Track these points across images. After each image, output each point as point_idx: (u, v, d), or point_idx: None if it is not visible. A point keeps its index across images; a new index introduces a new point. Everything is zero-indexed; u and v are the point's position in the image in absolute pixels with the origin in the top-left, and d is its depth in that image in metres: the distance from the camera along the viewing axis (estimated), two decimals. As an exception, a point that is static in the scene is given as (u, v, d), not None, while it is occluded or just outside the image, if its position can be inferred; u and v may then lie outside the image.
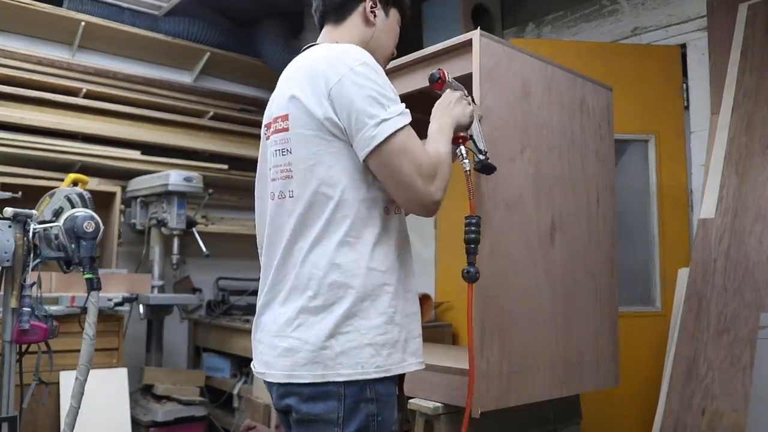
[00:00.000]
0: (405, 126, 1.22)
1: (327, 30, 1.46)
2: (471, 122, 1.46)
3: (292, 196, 1.26)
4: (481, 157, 1.49)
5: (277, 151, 1.31)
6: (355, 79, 1.21)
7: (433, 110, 1.42)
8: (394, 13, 1.46)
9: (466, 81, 1.65)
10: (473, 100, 1.52)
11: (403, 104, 1.26)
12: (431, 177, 1.22)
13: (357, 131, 1.20)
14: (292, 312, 1.23)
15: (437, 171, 1.23)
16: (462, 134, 1.45)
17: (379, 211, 1.27)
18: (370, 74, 1.23)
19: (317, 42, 1.43)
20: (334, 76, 1.22)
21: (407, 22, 1.52)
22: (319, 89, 1.24)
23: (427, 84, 1.80)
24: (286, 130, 1.29)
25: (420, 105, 2.11)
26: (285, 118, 1.30)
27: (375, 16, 1.42)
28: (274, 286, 1.29)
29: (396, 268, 1.30)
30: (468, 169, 1.47)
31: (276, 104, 1.36)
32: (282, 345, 1.23)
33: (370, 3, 1.42)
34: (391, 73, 1.88)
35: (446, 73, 1.48)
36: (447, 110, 1.40)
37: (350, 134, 1.22)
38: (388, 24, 1.45)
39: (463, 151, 1.45)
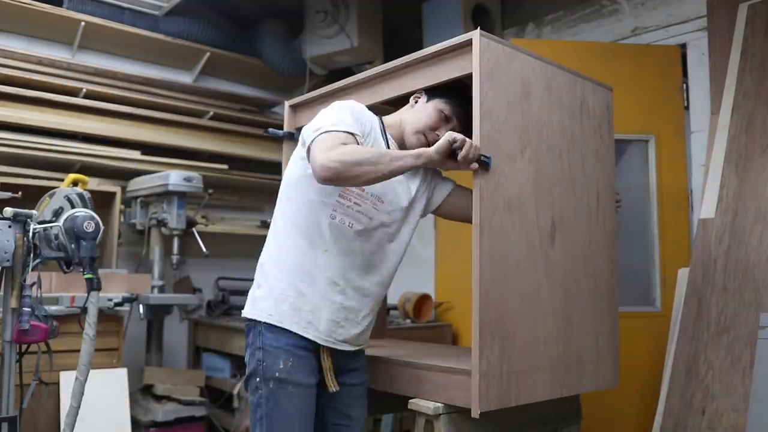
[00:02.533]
0: (329, 130, 1.59)
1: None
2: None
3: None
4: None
5: None
6: (319, 113, 1.70)
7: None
8: (436, 102, 1.78)
9: (466, 81, 1.65)
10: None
11: (344, 123, 1.63)
12: (329, 149, 1.53)
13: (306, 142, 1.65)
14: None
15: (341, 150, 1.53)
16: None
17: None
18: (330, 108, 1.69)
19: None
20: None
21: (461, 113, 1.76)
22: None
23: (427, 84, 1.80)
24: None
25: (420, 105, 2.11)
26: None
27: (416, 102, 1.83)
28: None
29: None
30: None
31: None
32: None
33: (415, 96, 1.84)
34: (391, 73, 1.88)
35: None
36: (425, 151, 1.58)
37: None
38: (424, 107, 1.80)
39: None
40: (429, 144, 1.71)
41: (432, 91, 1.78)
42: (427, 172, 1.85)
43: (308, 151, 1.61)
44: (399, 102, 1.94)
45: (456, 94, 1.75)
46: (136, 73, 4.06)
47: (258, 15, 4.35)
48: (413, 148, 1.66)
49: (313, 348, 1.68)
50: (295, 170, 1.73)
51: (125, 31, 3.91)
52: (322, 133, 1.58)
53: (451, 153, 1.54)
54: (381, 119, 1.81)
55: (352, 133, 1.60)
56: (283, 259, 1.70)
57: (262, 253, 1.78)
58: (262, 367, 1.64)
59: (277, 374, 1.62)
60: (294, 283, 1.67)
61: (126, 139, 3.92)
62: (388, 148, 1.75)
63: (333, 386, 1.71)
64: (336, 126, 1.59)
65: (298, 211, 1.70)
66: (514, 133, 1.70)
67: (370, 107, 1.96)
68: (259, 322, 1.67)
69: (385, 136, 1.78)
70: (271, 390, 1.62)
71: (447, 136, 1.53)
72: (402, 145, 1.80)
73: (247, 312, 1.73)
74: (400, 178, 1.69)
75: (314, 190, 1.67)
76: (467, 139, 1.54)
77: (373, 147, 1.69)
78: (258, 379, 1.64)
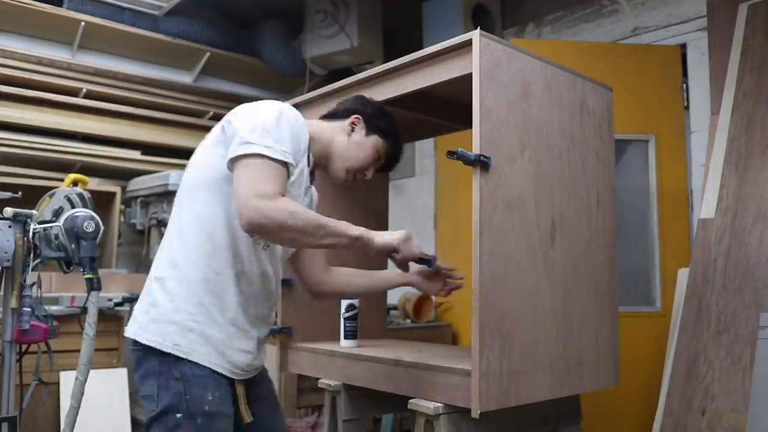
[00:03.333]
0: (262, 154, 1.35)
1: (315, 120, 1.70)
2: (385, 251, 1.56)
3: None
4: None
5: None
6: (251, 112, 1.45)
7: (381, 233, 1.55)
8: (375, 139, 1.66)
9: (466, 81, 1.65)
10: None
11: (286, 150, 1.40)
12: (260, 194, 1.32)
13: (231, 143, 1.40)
14: None
15: (277, 206, 1.33)
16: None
17: None
18: (266, 113, 1.43)
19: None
20: (242, 110, 1.46)
21: (391, 155, 1.71)
22: (227, 122, 1.46)
23: (427, 84, 1.80)
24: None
25: (419, 105, 2.11)
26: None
27: (352, 130, 1.65)
28: None
29: None
30: None
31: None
32: None
33: (354, 119, 1.66)
34: (391, 73, 1.88)
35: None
36: (377, 235, 1.52)
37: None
38: (363, 141, 1.65)
39: None
40: (353, 180, 1.67)
41: (372, 124, 1.66)
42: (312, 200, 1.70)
43: (231, 162, 1.38)
44: (399, 102, 1.94)
45: (394, 132, 1.70)
46: (136, 73, 4.06)
47: (258, 15, 4.35)
48: (336, 181, 1.66)
49: (228, 377, 1.49)
50: (215, 168, 1.44)
51: (125, 31, 3.91)
52: (254, 155, 1.35)
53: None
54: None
55: (286, 165, 1.39)
56: (191, 276, 1.43)
57: (159, 263, 1.49)
58: (186, 401, 1.37)
59: (206, 407, 1.39)
60: (204, 306, 1.43)
61: (126, 139, 3.93)
62: (308, 166, 1.57)
63: (248, 416, 1.53)
64: (272, 149, 1.36)
65: (215, 220, 1.44)
66: (514, 133, 1.70)
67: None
68: (158, 350, 1.42)
69: (308, 155, 1.57)
70: (199, 427, 1.38)
71: (406, 249, 1.56)
72: (319, 165, 1.66)
73: (139, 335, 1.45)
74: (303, 196, 1.57)
75: None
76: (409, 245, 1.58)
77: (300, 184, 1.51)
78: (179, 415, 1.36)
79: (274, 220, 1.31)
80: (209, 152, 1.48)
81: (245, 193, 1.32)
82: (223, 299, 1.45)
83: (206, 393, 1.40)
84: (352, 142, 1.64)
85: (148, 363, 1.43)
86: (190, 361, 1.41)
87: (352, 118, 1.66)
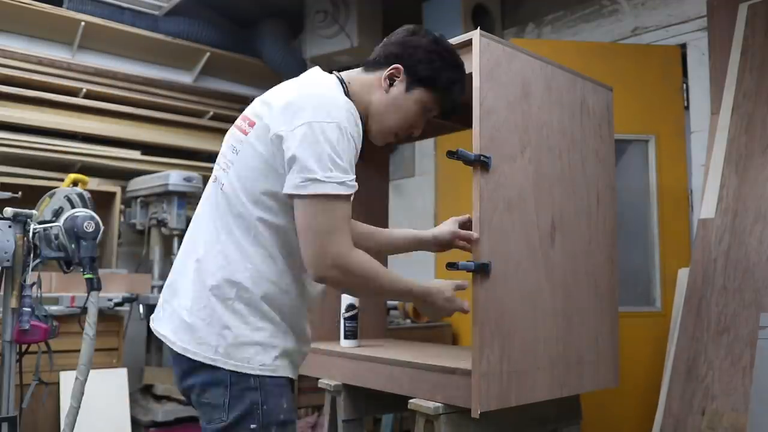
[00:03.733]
0: (336, 194, 1.23)
1: (358, 70, 1.47)
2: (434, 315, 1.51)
3: (223, 190, 1.36)
4: None
5: (232, 146, 1.38)
6: (315, 134, 1.23)
7: (437, 291, 1.48)
8: (420, 92, 1.42)
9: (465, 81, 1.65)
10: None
11: (352, 177, 1.26)
12: (340, 256, 1.25)
13: (290, 172, 1.25)
14: None
15: (353, 261, 1.26)
16: None
17: None
18: (331, 135, 1.24)
19: (341, 73, 1.45)
20: (302, 119, 1.25)
21: (447, 105, 1.47)
22: (285, 122, 1.27)
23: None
24: (246, 133, 1.36)
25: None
26: (252, 123, 1.35)
27: (390, 85, 1.42)
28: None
29: None
30: None
31: (258, 105, 1.39)
32: None
33: (392, 71, 1.41)
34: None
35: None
36: (432, 298, 1.46)
37: (286, 170, 1.26)
38: (402, 98, 1.41)
39: None
40: (402, 137, 1.48)
41: (415, 74, 1.41)
42: None
43: (294, 198, 1.25)
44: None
45: (449, 76, 1.43)
46: (136, 73, 4.06)
47: (258, 15, 4.35)
48: (377, 141, 1.47)
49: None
50: (278, 182, 1.28)
51: (125, 31, 3.91)
52: (324, 196, 1.22)
53: None
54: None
55: (353, 194, 1.28)
56: (283, 291, 1.34)
57: (216, 270, 1.31)
58: (261, 412, 1.28)
59: (282, 417, 1.31)
60: (276, 321, 1.34)
61: (126, 139, 3.93)
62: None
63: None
64: (344, 185, 1.24)
65: (286, 232, 1.32)
66: (514, 133, 1.70)
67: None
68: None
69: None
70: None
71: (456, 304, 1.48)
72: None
73: (218, 362, 1.29)
74: None
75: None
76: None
77: None
78: (254, 425, 1.28)
79: (348, 276, 1.27)
80: (263, 151, 1.30)
81: (320, 245, 1.24)
82: (292, 314, 1.37)
83: (281, 402, 1.32)
84: (390, 100, 1.41)
85: (217, 373, 1.30)
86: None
87: (391, 69, 1.41)
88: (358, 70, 1.48)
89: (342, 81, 1.42)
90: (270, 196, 1.30)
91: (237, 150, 1.35)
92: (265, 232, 1.31)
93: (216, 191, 1.38)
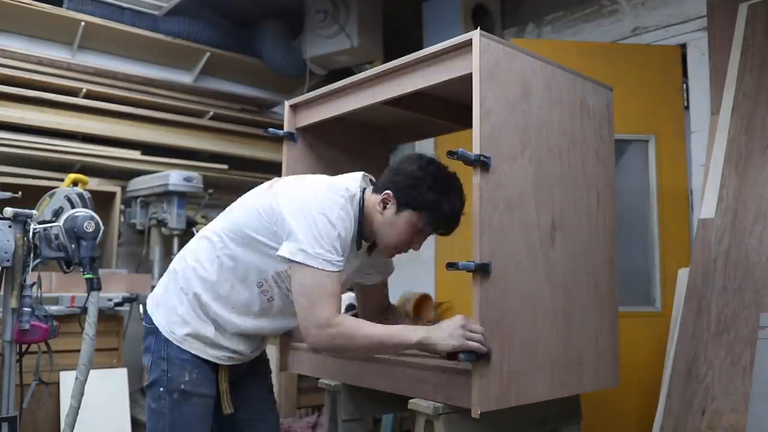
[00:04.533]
0: (318, 268, 1.48)
1: (371, 189, 1.70)
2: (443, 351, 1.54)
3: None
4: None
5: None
6: (307, 217, 1.52)
7: (438, 327, 1.57)
8: (408, 214, 1.62)
9: (466, 81, 1.65)
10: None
11: (338, 259, 1.52)
12: (324, 327, 1.48)
13: (284, 240, 1.53)
14: None
15: (343, 332, 1.49)
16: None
17: None
18: (319, 221, 1.51)
19: (357, 185, 1.68)
20: (297, 205, 1.54)
21: (437, 223, 1.66)
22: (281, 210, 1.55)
23: (427, 84, 1.80)
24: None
25: (419, 105, 2.11)
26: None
27: (384, 207, 1.64)
28: None
29: None
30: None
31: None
32: None
33: (384, 196, 1.63)
34: (391, 73, 1.87)
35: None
36: (437, 336, 1.53)
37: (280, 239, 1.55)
38: (394, 220, 1.63)
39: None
40: (403, 250, 1.70)
41: (402, 199, 1.62)
42: None
43: (287, 261, 1.52)
44: (399, 102, 1.94)
45: (434, 199, 1.62)
46: (136, 73, 4.06)
47: (258, 15, 4.35)
48: (385, 256, 1.74)
49: (213, 365, 1.70)
50: (261, 238, 1.60)
51: (125, 31, 3.91)
52: (313, 268, 1.49)
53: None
54: (362, 199, 1.66)
55: (338, 272, 1.53)
56: (220, 295, 1.66)
57: (192, 259, 1.72)
58: (167, 378, 1.62)
59: (182, 386, 1.62)
60: (208, 322, 1.67)
61: (126, 139, 3.93)
62: (358, 248, 1.68)
63: (228, 408, 1.73)
64: (330, 263, 1.50)
65: (246, 268, 1.64)
66: (514, 133, 1.69)
67: (370, 107, 1.96)
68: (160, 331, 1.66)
69: (359, 237, 1.66)
70: (175, 401, 1.62)
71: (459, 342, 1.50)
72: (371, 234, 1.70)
73: (152, 312, 1.70)
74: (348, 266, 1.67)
75: (271, 266, 1.61)
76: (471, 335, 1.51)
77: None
78: (161, 389, 1.63)
79: (337, 347, 1.53)
80: (258, 218, 1.60)
81: (306, 317, 1.50)
82: (227, 329, 1.67)
83: (183, 374, 1.62)
84: (385, 221, 1.64)
85: (148, 338, 1.68)
86: (177, 346, 1.64)
87: (383, 194, 1.64)
88: (369, 191, 1.70)
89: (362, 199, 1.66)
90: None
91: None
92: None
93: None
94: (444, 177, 1.65)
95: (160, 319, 1.68)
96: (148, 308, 1.72)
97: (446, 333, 1.51)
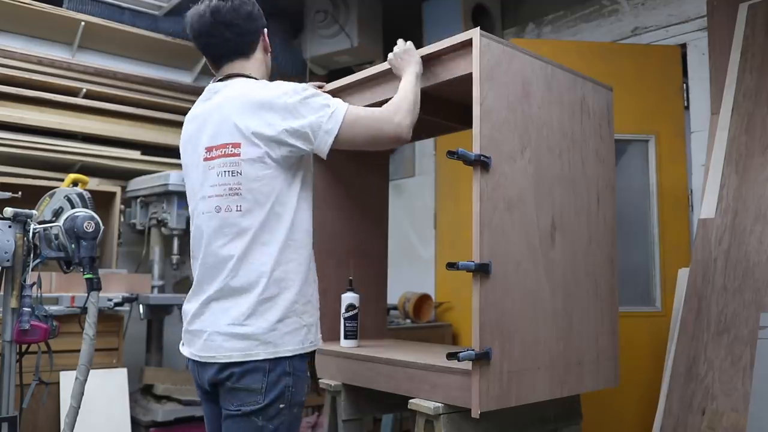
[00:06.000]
0: (343, 107, 1.53)
1: (238, 64, 1.68)
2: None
3: (240, 210, 1.51)
4: None
5: (226, 172, 1.53)
6: (296, 102, 1.50)
7: (402, 62, 1.76)
8: (264, 34, 1.71)
9: (466, 81, 1.65)
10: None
11: (327, 96, 1.55)
12: (393, 115, 1.56)
13: (314, 134, 1.51)
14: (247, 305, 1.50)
15: (399, 108, 1.58)
16: None
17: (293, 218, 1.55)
18: (299, 94, 1.51)
19: (232, 73, 1.68)
20: (282, 102, 1.50)
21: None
22: (273, 115, 1.50)
23: (427, 84, 1.80)
24: (237, 155, 1.52)
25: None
26: (236, 145, 1.52)
27: (265, 50, 1.71)
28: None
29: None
30: None
31: (217, 131, 1.57)
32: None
33: (262, 44, 1.69)
34: (391, 73, 1.88)
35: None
36: (411, 66, 1.72)
37: (312, 139, 1.51)
38: (267, 46, 1.73)
39: None
40: None
41: (259, 31, 1.70)
42: None
43: (337, 135, 1.51)
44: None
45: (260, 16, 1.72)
46: (136, 73, 4.06)
47: (258, 15, 4.35)
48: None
49: None
50: (281, 174, 1.53)
51: (125, 31, 3.91)
52: (340, 112, 1.52)
53: None
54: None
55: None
56: (305, 278, 1.56)
57: (261, 270, 1.50)
58: (291, 393, 1.50)
59: (302, 398, 1.54)
60: (313, 302, 1.59)
61: (126, 139, 3.92)
62: None
63: None
64: (333, 100, 1.55)
65: (296, 216, 1.56)
66: (514, 133, 1.70)
67: (370, 107, 1.96)
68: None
69: None
70: (294, 415, 1.53)
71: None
72: None
73: (270, 353, 1.48)
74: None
75: (305, 185, 1.58)
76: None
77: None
78: (283, 405, 1.49)
79: (411, 118, 1.60)
80: (259, 160, 1.53)
81: (377, 123, 1.56)
82: (314, 285, 1.64)
83: (305, 386, 1.55)
84: (269, 56, 1.78)
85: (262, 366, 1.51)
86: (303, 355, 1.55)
87: (262, 37, 1.72)
88: (239, 62, 1.72)
89: None
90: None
91: (239, 171, 1.53)
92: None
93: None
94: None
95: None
96: None
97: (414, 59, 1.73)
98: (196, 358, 1.55)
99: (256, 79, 1.63)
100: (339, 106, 1.53)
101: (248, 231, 1.50)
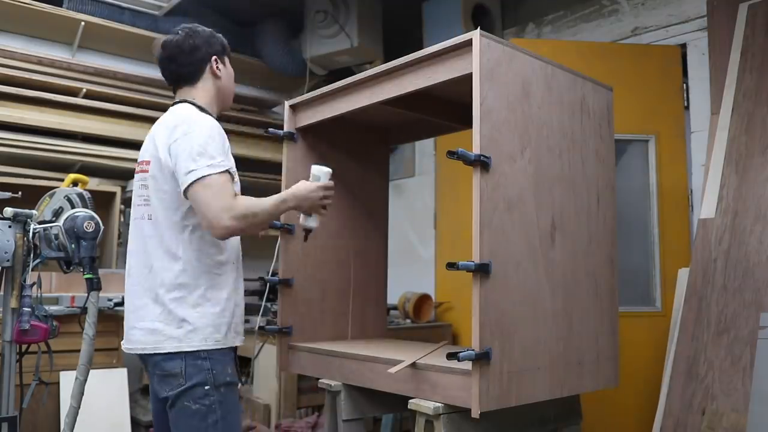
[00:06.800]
0: (208, 175, 1.61)
1: (186, 90, 1.84)
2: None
3: (151, 219, 1.79)
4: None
5: (142, 185, 1.77)
6: (185, 140, 1.64)
7: (294, 188, 1.79)
8: (227, 61, 1.87)
9: (466, 81, 1.65)
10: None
11: (220, 159, 1.64)
12: (227, 209, 1.59)
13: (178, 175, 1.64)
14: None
15: (238, 209, 1.61)
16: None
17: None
18: (197, 136, 1.65)
19: (181, 99, 1.83)
20: (176, 135, 1.66)
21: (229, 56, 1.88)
22: (167, 142, 1.67)
23: (427, 84, 1.80)
24: (147, 171, 1.75)
25: (419, 105, 2.11)
26: (148, 162, 1.73)
27: (219, 70, 1.82)
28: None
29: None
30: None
31: (145, 148, 1.78)
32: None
33: (215, 61, 1.81)
34: (391, 73, 1.88)
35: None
36: (299, 197, 1.77)
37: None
38: (228, 72, 1.87)
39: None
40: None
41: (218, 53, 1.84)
42: None
43: (187, 188, 1.61)
44: (399, 102, 1.94)
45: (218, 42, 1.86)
46: (136, 73, 4.06)
47: (258, 15, 4.35)
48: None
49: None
50: (178, 198, 1.69)
51: (125, 31, 3.91)
52: (205, 176, 1.59)
53: None
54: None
55: (230, 172, 1.66)
56: (213, 277, 1.73)
57: (165, 272, 1.76)
58: (213, 375, 1.66)
59: (228, 378, 1.69)
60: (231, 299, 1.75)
61: (126, 139, 3.92)
62: None
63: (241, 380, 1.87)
64: (219, 164, 1.62)
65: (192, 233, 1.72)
66: (514, 133, 1.70)
67: (370, 107, 1.96)
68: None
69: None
70: (222, 394, 1.67)
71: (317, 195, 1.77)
72: None
73: (180, 346, 1.66)
74: None
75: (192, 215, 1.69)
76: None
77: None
78: (207, 387, 1.65)
79: (245, 222, 1.62)
80: (161, 179, 1.74)
81: (210, 204, 1.60)
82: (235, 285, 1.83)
83: (227, 367, 1.71)
84: (224, 81, 1.89)
85: (175, 358, 1.68)
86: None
87: (211, 62, 1.83)
88: (185, 89, 1.87)
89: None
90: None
91: (146, 185, 1.80)
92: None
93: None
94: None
95: None
96: None
97: (306, 191, 1.76)
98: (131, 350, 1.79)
99: (197, 105, 1.78)
100: (207, 169, 1.60)
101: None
